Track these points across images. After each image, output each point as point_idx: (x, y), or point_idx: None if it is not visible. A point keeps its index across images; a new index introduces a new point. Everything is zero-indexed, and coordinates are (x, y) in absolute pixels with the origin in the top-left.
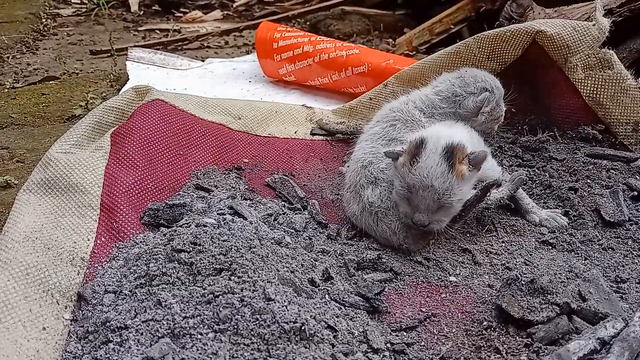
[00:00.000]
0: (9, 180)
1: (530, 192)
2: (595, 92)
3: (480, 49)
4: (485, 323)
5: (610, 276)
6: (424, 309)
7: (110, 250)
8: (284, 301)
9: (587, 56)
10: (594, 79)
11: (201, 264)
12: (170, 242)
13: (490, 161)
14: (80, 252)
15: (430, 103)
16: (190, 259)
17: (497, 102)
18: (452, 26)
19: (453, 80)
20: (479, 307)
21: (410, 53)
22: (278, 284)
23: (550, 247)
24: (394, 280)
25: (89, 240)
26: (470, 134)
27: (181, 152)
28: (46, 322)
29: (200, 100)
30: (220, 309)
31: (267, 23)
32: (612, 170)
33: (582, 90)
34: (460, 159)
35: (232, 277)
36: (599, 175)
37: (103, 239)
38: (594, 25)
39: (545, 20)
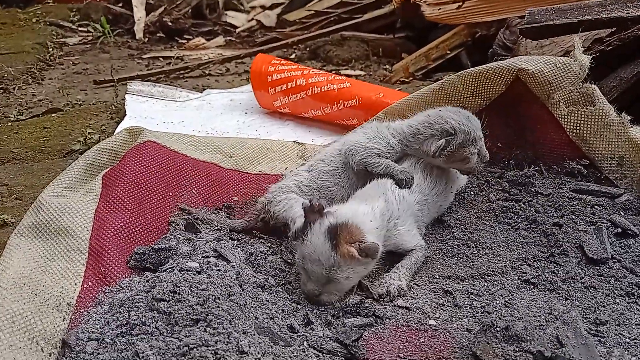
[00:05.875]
0: (6, 218)
1: (516, 227)
2: (578, 127)
3: (465, 86)
4: None
5: (589, 318)
6: (402, 355)
7: (97, 295)
8: (258, 353)
9: (569, 92)
10: (576, 114)
11: (179, 314)
12: (152, 290)
13: (405, 232)
14: (67, 297)
15: (402, 132)
16: (169, 309)
17: (463, 144)
18: (448, 52)
19: (423, 118)
20: (456, 352)
21: (406, 80)
22: (254, 334)
23: (532, 287)
24: (374, 324)
25: (76, 284)
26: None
27: (171, 193)
28: None
29: (193, 140)
30: None
31: (261, 56)
32: (596, 206)
33: (565, 126)
34: (347, 240)
35: (208, 329)
36: (584, 211)
37: (90, 283)
38: (575, 61)
39: (527, 57)
